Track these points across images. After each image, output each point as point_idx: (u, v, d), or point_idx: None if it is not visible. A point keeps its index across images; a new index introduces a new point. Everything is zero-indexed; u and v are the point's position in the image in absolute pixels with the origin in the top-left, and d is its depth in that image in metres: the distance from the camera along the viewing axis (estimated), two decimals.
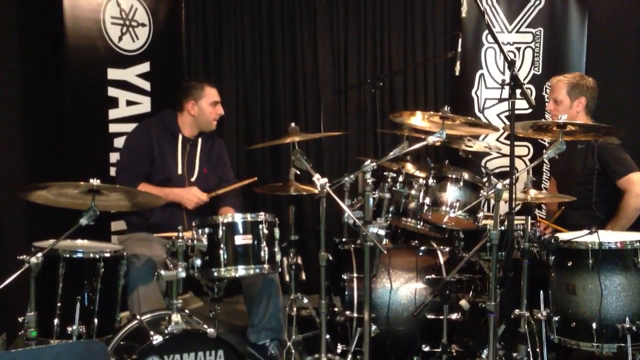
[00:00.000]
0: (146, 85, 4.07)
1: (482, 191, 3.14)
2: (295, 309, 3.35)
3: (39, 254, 2.36)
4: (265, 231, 2.83)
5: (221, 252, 2.76)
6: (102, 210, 2.53)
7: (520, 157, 4.59)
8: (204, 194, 3.32)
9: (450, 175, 3.18)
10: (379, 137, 4.50)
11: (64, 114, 3.77)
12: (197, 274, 2.74)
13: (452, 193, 3.15)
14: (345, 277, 3.14)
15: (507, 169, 4.18)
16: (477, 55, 4.61)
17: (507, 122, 4.40)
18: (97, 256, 2.70)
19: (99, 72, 3.85)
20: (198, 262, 2.70)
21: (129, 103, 3.98)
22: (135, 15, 4.00)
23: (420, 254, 3.28)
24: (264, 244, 2.82)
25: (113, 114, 3.91)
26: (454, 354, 3.12)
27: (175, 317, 2.46)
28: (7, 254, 3.21)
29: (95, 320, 2.67)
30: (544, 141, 4.28)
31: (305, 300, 3.39)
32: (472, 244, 3.09)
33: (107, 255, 2.73)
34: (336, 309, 3.38)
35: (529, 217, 2.92)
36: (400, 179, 3.27)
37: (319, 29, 4.77)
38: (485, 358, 2.77)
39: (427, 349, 3.07)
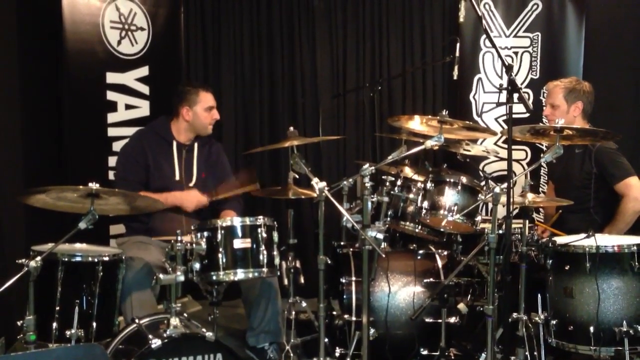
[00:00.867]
0: (145, 89, 4.07)
1: (480, 195, 3.15)
2: (293, 312, 3.36)
3: (38, 258, 2.36)
4: (264, 235, 2.84)
5: (220, 255, 2.76)
6: (101, 214, 2.54)
7: (518, 161, 4.60)
8: (204, 197, 3.32)
9: (448, 179, 3.19)
10: (377, 141, 4.52)
11: (63, 117, 3.78)
12: (196, 278, 2.74)
13: (450, 197, 3.16)
14: (343, 281, 3.14)
15: (505, 172, 4.19)
16: (475, 59, 4.63)
17: (505, 126, 4.41)
18: (96, 260, 2.70)
19: (98, 76, 3.86)
20: (197, 265, 2.71)
21: (128, 107, 3.99)
22: (134, 20, 4.02)
23: (419, 257, 3.28)
24: (263, 247, 2.82)
25: (112, 117, 3.92)
26: (452, 357, 3.12)
27: (174, 321, 2.47)
28: (6, 258, 3.21)
29: (94, 324, 2.68)
30: (542, 145, 4.29)
31: (304, 304, 3.39)
32: (470, 248, 3.09)
33: (106, 259, 2.73)
34: (335, 313, 3.39)
35: (527, 221, 2.93)
36: (399, 182, 3.28)
37: (318, 33, 4.78)
38: None
39: (425, 352, 3.08)
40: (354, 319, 3.06)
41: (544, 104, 3.59)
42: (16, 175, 3.58)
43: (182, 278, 2.53)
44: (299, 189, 3.35)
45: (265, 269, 2.83)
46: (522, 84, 4.59)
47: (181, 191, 3.33)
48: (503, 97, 2.58)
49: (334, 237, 3.55)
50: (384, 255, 2.79)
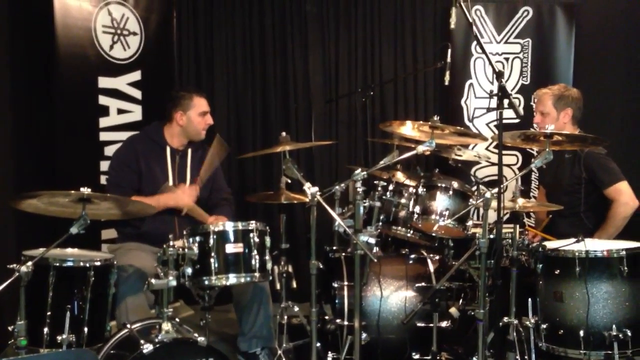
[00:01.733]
0: (137, 93, 4.07)
1: (471, 200, 3.17)
2: (286, 317, 3.36)
3: (29, 263, 2.35)
4: (256, 239, 2.84)
5: (212, 260, 2.76)
6: (93, 218, 2.53)
7: (509, 166, 4.63)
8: (193, 188, 3.29)
9: (439, 184, 3.20)
10: (369, 146, 4.53)
11: (55, 122, 3.76)
12: (188, 283, 2.74)
13: (441, 202, 3.18)
14: (335, 285, 3.15)
15: (497, 177, 4.21)
16: (466, 65, 4.66)
17: (496, 132, 4.44)
18: (88, 265, 2.70)
19: (90, 81, 3.85)
20: (189, 270, 2.70)
21: (120, 111, 3.99)
22: (126, 24, 4.02)
23: (410, 262, 3.30)
24: (255, 252, 2.82)
25: (104, 122, 3.91)
26: None
27: (166, 326, 2.46)
28: None
29: (86, 329, 2.66)
30: (533, 150, 4.32)
31: (296, 309, 3.40)
32: (462, 252, 3.12)
33: (98, 264, 2.73)
34: (327, 317, 3.39)
35: (517, 226, 2.95)
36: (391, 187, 3.29)
37: (310, 38, 4.80)
38: None
39: (417, 356, 3.08)
40: (346, 323, 3.06)
41: (534, 111, 3.61)
42: (7, 180, 3.57)
43: (174, 283, 2.53)
44: (292, 194, 3.36)
45: (257, 274, 2.83)
46: (512, 89, 4.63)
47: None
48: (494, 103, 2.60)
49: (326, 241, 3.56)
50: (375, 260, 2.79)
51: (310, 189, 2.59)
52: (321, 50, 4.83)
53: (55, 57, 3.69)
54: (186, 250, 2.70)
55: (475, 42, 4.56)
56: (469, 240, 3.23)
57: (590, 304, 2.70)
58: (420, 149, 2.74)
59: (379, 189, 3.23)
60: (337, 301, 3.13)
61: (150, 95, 4.09)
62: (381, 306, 3.11)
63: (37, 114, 3.82)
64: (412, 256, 3.33)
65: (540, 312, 2.88)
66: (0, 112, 3.56)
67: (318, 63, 4.82)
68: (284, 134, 3.17)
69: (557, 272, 2.82)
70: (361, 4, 4.82)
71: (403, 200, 3.25)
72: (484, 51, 2.85)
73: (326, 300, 3.46)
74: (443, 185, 3.20)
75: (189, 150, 3.44)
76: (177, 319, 2.72)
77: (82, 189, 2.45)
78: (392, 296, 3.14)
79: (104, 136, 3.91)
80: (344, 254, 3.26)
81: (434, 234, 3.32)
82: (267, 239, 2.89)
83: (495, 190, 2.60)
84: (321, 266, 2.90)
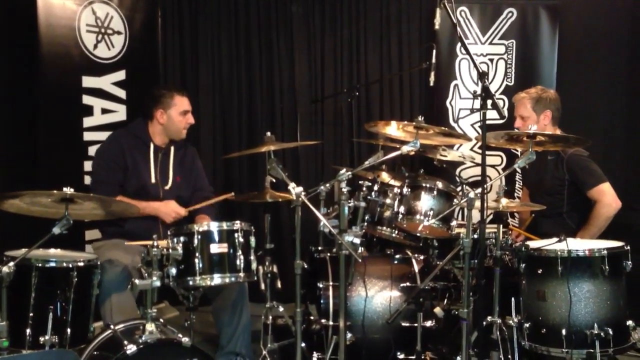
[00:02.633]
0: (122, 93, 4.05)
1: (455, 200, 3.18)
2: (271, 317, 3.35)
3: (11, 263, 2.33)
4: (241, 239, 2.83)
5: (196, 260, 2.75)
6: (76, 219, 2.51)
7: (493, 166, 4.66)
8: (182, 209, 3.31)
9: (424, 184, 3.22)
10: (354, 146, 4.54)
11: (39, 122, 3.73)
12: (173, 283, 2.73)
13: (426, 202, 3.19)
14: (321, 286, 3.15)
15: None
16: (451, 66, 4.68)
17: (481, 132, 4.47)
18: (70, 265, 2.68)
19: (74, 80, 3.83)
20: (173, 270, 2.69)
21: (104, 111, 3.96)
22: (110, 23, 3.99)
23: (395, 262, 3.31)
24: (240, 252, 2.82)
25: (88, 122, 3.89)
26: None
27: (150, 327, 2.45)
28: None
29: (68, 330, 2.65)
30: (517, 151, 4.35)
31: (281, 309, 3.39)
32: (446, 252, 3.13)
33: (81, 264, 2.71)
34: (312, 317, 3.39)
35: (501, 226, 2.97)
36: (376, 187, 3.30)
37: (296, 38, 4.80)
38: None
39: (401, 356, 3.10)
40: (331, 323, 3.07)
41: (514, 116, 3.64)
42: None
43: (158, 283, 2.51)
44: (277, 193, 3.36)
45: (242, 274, 2.82)
46: (497, 90, 4.66)
47: (159, 202, 3.30)
48: (478, 103, 2.61)
49: (311, 242, 3.56)
50: (360, 260, 2.80)
51: (294, 189, 2.59)
52: (307, 50, 4.83)
53: (39, 56, 3.66)
54: (170, 250, 2.69)
55: (460, 43, 4.58)
56: (453, 240, 3.24)
57: (572, 303, 2.73)
58: (405, 149, 2.75)
59: (364, 189, 3.24)
60: (322, 301, 3.13)
61: (135, 94, 4.06)
62: (366, 306, 3.12)
63: (20, 113, 3.79)
64: (397, 256, 3.34)
65: (523, 311, 2.90)
66: None
67: (304, 63, 4.82)
68: (268, 133, 3.17)
69: (539, 271, 2.85)
70: (346, 5, 4.82)
71: (388, 201, 3.26)
72: (468, 52, 2.87)
73: (311, 301, 3.46)
74: (427, 185, 3.21)
75: (172, 149, 3.44)
76: (162, 320, 2.71)
77: (64, 189, 2.43)
78: (377, 296, 3.15)
79: (88, 136, 3.88)
80: (329, 254, 3.26)
81: (418, 234, 3.33)
82: (252, 239, 2.88)
83: (479, 190, 2.62)
84: (306, 266, 2.90)
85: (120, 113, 4.04)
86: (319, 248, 3.40)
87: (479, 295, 2.79)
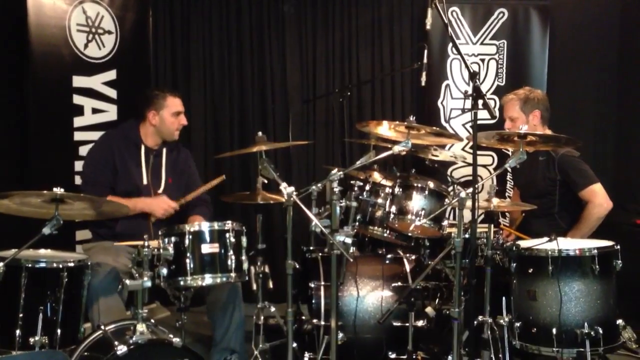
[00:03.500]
0: (112, 93, 4.03)
1: (446, 200, 3.19)
2: (262, 317, 3.35)
3: (1, 264, 2.33)
4: (233, 240, 2.83)
5: (188, 260, 2.75)
6: (67, 219, 2.50)
7: (484, 166, 4.68)
8: (173, 203, 3.30)
9: (415, 184, 3.22)
10: (346, 146, 4.54)
11: (29, 121, 3.70)
12: (164, 283, 2.72)
13: (417, 201, 3.20)
14: (312, 285, 3.15)
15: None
16: (442, 66, 4.70)
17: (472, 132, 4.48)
18: (61, 266, 2.66)
19: (64, 80, 3.80)
20: (164, 271, 2.68)
21: (95, 111, 3.94)
22: (101, 23, 3.97)
23: (387, 261, 3.31)
24: (231, 252, 2.82)
25: (78, 121, 3.87)
26: None
27: (141, 327, 2.44)
28: None
29: (59, 331, 2.63)
30: (508, 151, 4.37)
31: (273, 309, 3.39)
32: (438, 252, 3.14)
33: (71, 265, 2.69)
34: (304, 317, 3.39)
35: (492, 225, 2.98)
36: (367, 187, 3.31)
37: (288, 38, 4.80)
38: None
39: (393, 356, 3.10)
40: (322, 323, 3.07)
41: (503, 118, 3.66)
42: None
43: (149, 284, 2.50)
44: (268, 194, 3.36)
45: (233, 274, 2.82)
46: (488, 90, 4.67)
47: (150, 197, 3.29)
48: (469, 103, 2.62)
49: (303, 241, 3.56)
50: (352, 260, 2.80)
51: (286, 189, 2.59)
52: (299, 50, 4.83)
53: (29, 55, 3.63)
54: (161, 250, 2.68)
55: (451, 43, 4.59)
56: (444, 239, 3.25)
57: (562, 302, 2.74)
58: (396, 149, 2.76)
59: (356, 189, 3.25)
60: (313, 301, 3.13)
61: (126, 94, 4.05)
62: (358, 306, 3.12)
63: (10, 113, 3.76)
64: (389, 256, 3.34)
65: (514, 311, 2.91)
66: None
67: (295, 63, 4.82)
68: (260, 133, 3.17)
69: (530, 270, 2.86)
70: (338, 5, 4.82)
71: (379, 200, 3.26)
72: (459, 52, 2.88)
73: (303, 300, 3.46)
74: (419, 185, 3.21)
75: (164, 150, 3.42)
76: (153, 320, 2.70)
77: (55, 189, 2.42)
78: (369, 296, 3.16)
79: (78, 136, 3.86)
80: (320, 254, 3.26)
81: (410, 234, 3.34)
82: (244, 239, 2.88)
83: (471, 190, 2.62)
84: (298, 266, 2.90)
85: (111, 113, 4.02)
86: (311, 248, 3.40)
87: (470, 294, 2.80)
